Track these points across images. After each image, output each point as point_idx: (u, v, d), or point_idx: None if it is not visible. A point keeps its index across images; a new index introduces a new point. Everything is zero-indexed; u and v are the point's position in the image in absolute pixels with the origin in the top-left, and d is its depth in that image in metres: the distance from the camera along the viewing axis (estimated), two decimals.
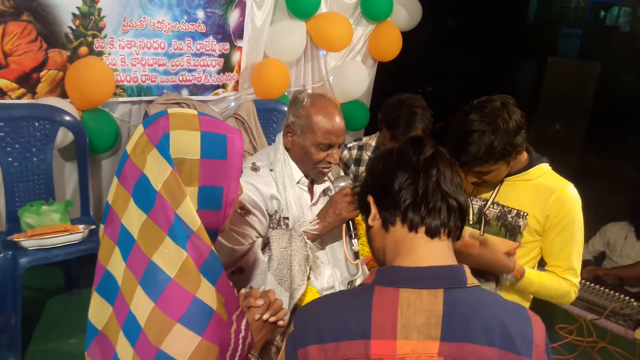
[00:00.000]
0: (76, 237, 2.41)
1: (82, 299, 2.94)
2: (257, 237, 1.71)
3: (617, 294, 3.64)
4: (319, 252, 1.81)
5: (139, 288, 1.04)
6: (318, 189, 1.87)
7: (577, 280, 1.86)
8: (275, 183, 1.76)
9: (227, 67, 3.65)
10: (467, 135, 1.67)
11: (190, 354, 1.02)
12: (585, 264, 4.06)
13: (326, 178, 1.87)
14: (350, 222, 1.77)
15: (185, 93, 3.47)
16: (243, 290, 1.36)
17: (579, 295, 3.59)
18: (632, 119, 5.65)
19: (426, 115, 2.34)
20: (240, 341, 1.16)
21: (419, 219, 1.05)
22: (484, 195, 1.92)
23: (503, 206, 1.88)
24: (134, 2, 3.10)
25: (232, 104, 3.74)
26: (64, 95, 2.93)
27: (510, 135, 1.67)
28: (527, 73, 6.76)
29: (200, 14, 3.41)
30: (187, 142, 1.08)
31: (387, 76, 4.59)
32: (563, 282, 1.86)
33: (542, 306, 3.43)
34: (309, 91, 1.81)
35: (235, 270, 1.65)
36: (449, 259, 1.05)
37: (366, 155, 2.67)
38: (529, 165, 1.84)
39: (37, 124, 2.71)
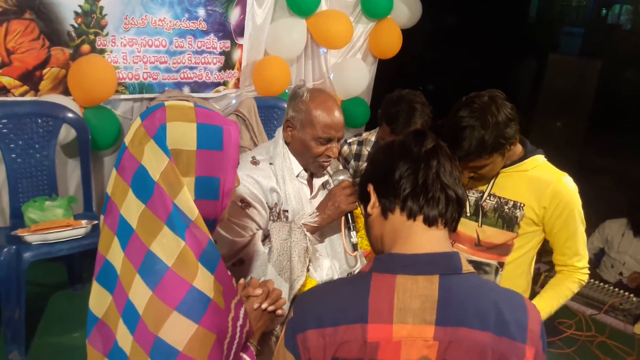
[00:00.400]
0: (79, 231, 2.44)
1: (86, 293, 2.92)
2: (258, 230, 1.73)
3: (616, 289, 3.67)
4: (318, 245, 1.84)
5: (138, 277, 1.06)
6: (317, 182, 1.89)
7: (584, 263, 1.90)
8: (275, 176, 1.78)
9: (228, 65, 3.68)
10: (459, 131, 1.70)
11: (187, 341, 1.04)
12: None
13: (325, 172, 1.89)
14: (348, 214, 1.79)
15: (186, 90, 3.50)
16: (242, 280, 1.39)
17: (582, 293, 3.63)
18: (633, 116, 5.67)
19: (425, 111, 2.36)
20: (238, 329, 1.18)
21: (418, 208, 1.07)
22: (481, 187, 1.94)
23: (499, 197, 1.90)
24: (135, 0, 3.13)
25: (233, 101, 3.77)
26: (66, 92, 2.97)
27: (500, 128, 1.69)
28: (528, 71, 6.78)
29: (201, 11, 3.44)
30: (183, 134, 1.10)
31: (387, 73, 4.61)
32: (568, 283, 1.90)
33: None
34: (309, 86, 1.82)
35: (236, 262, 1.67)
36: (445, 247, 1.07)
37: (366, 150, 2.69)
38: (524, 156, 1.87)
39: (40, 121, 2.74)
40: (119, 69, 3.16)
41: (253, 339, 1.31)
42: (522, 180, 1.87)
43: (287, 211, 1.80)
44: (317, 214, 1.76)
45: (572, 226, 1.83)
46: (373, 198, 1.13)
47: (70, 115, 2.82)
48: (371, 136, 2.71)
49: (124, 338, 1.08)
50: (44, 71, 2.89)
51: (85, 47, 3.01)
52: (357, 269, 1.94)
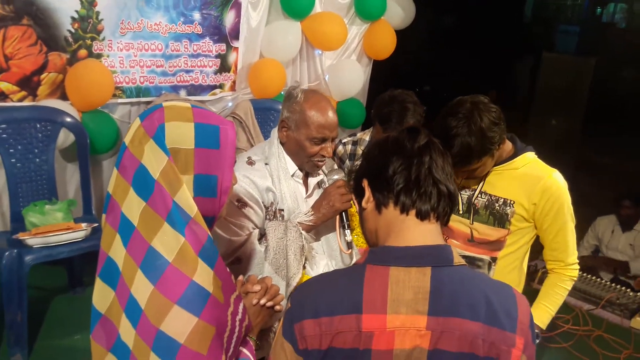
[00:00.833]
0: (80, 234, 2.47)
1: (86, 296, 2.99)
2: (254, 229, 1.77)
3: (613, 284, 3.71)
4: (315, 243, 1.87)
5: (139, 272, 1.09)
6: (312, 181, 1.93)
7: (573, 259, 1.93)
8: (270, 176, 1.82)
9: (224, 68, 3.72)
10: (447, 140, 1.73)
11: (188, 334, 1.08)
12: (584, 259, 4.13)
13: (320, 171, 1.93)
14: (343, 213, 1.83)
15: (183, 93, 3.54)
16: (241, 277, 1.42)
17: (575, 286, 3.67)
18: (628, 114, 5.71)
19: (418, 111, 2.40)
20: (237, 323, 1.22)
21: (410, 202, 1.10)
22: (473, 186, 1.98)
23: (490, 195, 1.93)
24: (131, 5, 3.16)
25: (230, 104, 3.80)
26: (64, 97, 3.00)
27: (485, 133, 1.73)
28: (523, 69, 6.82)
29: (197, 15, 3.47)
30: (181, 133, 1.13)
31: (382, 74, 4.65)
32: (561, 284, 1.94)
33: (535, 294, 3.49)
34: (303, 87, 1.86)
35: (234, 261, 1.71)
36: (437, 240, 1.10)
37: (360, 150, 2.72)
38: (514, 154, 1.90)
39: (38, 126, 2.77)
40: (116, 73, 3.20)
41: (252, 334, 1.34)
42: (513, 177, 1.90)
43: (283, 210, 1.83)
44: (313, 212, 1.79)
45: (561, 221, 1.87)
46: (367, 193, 1.17)
47: (68, 119, 2.85)
48: (365, 136, 2.75)
49: (127, 332, 1.12)
50: (42, 76, 2.92)
51: (82, 52, 3.04)
52: None
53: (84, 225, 2.53)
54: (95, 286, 1.19)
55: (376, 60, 4.54)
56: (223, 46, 3.66)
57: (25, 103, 2.89)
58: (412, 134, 1.17)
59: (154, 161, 1.11)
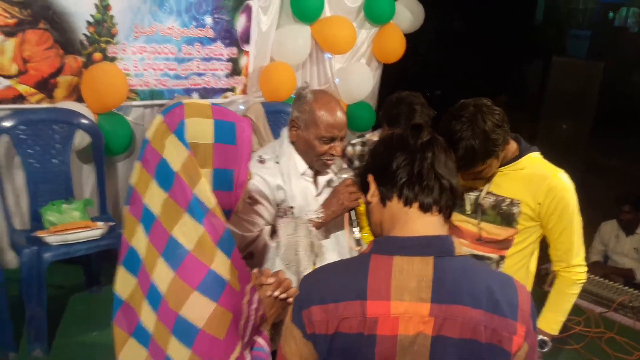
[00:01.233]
0: (97, 232, 2.54)
1: (103, 295, 3.08)
2: (265, 225, 1.82)
3: (625, 287, 3.72)
4: (325, 240, 1.92)
5: (161, 260, 1.15)
6: (322, 180, 1.97)
7: (578, 260, 1.93)
8: (280, 174, 1.87)
9: (235, 71, 3.79)
10: (451, 143, 1.76)
11: (206, 319, 1.13)
12: (594, 265, 4.14)
13: (330, 170, 1.98)
14: (352, 211, 1.87)
15: (195, 96, 3.61)
16: (255, 270, 1.47)
17: (587, 289, 3.69)
18: (637, 117, 5.69)
19: (425, 112, 2.44)
20: (253, 312, 1.27)
21: (413, 196, 1.15)
22: (479, 187, 2.01)
23: (497, 195, 1.96)
24: (144, 9, 3.24)
25: (241, 107, 3.87)
26: (80, 99, 3.09)
27: (488, 135, 1.76)
28: (532, 73, 6.82)
29: (208, 19, 3.55)
30: (201, 129, 1.20)
31: (392, 77, 4.69)
32: (568, 290, 1.95)
33: (544, 298, 3.51)
34: (312, 88, 1.91)
35: (247, 256, 1.76)
36: (440, 231, 1.14)
37: None
38: (520, 155, 1.93)
39: (55, 127, 2.85)
40: (130, 76, 3.27)
41: (266, 325, 1.39)
42: (518, 178, 1.93)
43: (293, 208, 1.88)
44: (322, 210, 1.84)
45: (565, 221, 1.88)
46: (372, 187, 1.21)
47: (84, 121, 2.93)
48: (374, 137, 2.79)
49: (147, 318, 1.18)
50: (58, 79, 3.01)
51: (97, 55, 3.13)
52: None
53: (100, 224, 2.60)
54: (117, 274, 1.25)
55: (386, 64, 4.58)
56: (234, 50, 3.73)
57: (43, 105, 2.97)
58: (416, 131, 1.21)
59: (174, 155, 1.17)
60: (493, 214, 1.97)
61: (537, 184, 1.89)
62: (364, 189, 1.26)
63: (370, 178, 1.23)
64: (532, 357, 1.15)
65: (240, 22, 3.69)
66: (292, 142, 1.91)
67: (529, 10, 6.96)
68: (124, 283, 1.24)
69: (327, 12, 4.00)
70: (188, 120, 1.20)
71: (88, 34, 3.09)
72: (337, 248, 1.98)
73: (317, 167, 1.92)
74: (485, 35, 5.82)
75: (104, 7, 3.10)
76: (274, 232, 1.82)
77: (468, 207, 2.03)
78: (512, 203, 1.93)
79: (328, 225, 1.90)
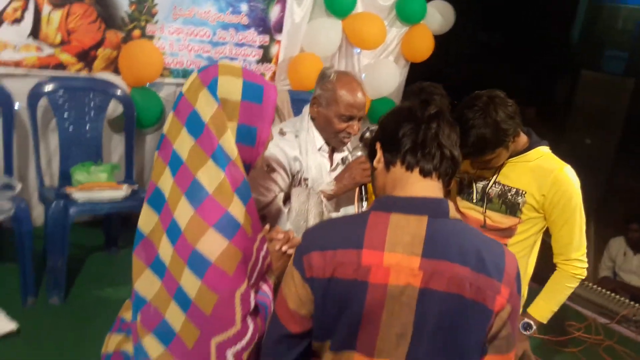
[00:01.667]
0: (120, 194, 2.68)
1: (120, 256, 3.23)
2: (280, 192, 1.93)
3: (631, 302, 3.73)
4: (333, 213, 2.02)
5: (184, 198, 1.27)
6: (337, 157, 2.08)
7: (577, 254, 1.98)
8: (299, 147, 1.98)
9: (265, 58, 3.92)
10: (464, 131, 1.85)
11: (218, 255, 1.24)
12: (603, 280, 4.16)
13: (345, 148, 2.08)
14: (362, 187, 1.97)
15: None
16: (267, 226, 1.58)
17: (592, 300, 3.71)
18: None
19: (444, 102, 2.52)
20: (261, 258, 1.38)
21: (415, 161, 1.24)
22: (488, 176, 2.09)
23: (504, 185, 2.04)
24: None
25: None
26: (116, 72, 3.25)
27: (499, 125, 1.84)
28: (563, 88, 6.79)
29: (244, 7, 3.68)
30: (231, 86, 1.32)
31: (418, 77, 4.74)
32: (565, 282, 2.00)
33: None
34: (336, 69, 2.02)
35: (260, 218, 1.86)
36: (437, 194, 1.23)
37: None
38: (529, 147, 2.01)
39: (92, 95, 3.01)
40: (165, 54, 3.43)
41: (272, 275, 1.50)
42: (526, 169, 2.00)
43: (307, 179, 1.99)
44: (335, 183, 1.95)
45: (568, 214, 1.94)
46: (379, 154, 1.31)
47: (119, 92, 3.09)
48: None
49: (165, 251, 1.29)
50: (98, 51, 3.17)
51: (137, 32, 3.28)
52: None
53: (124, 186, 2.74)
54: (142, 211, 1.37)
55: (413, 63, 4.66)
56: (266, 38, 3.86)
57: (82, 74, 3.14)
58: (424, 104, 1.31)
59: (205, 107, 1.29)
60: (498, 203, 2.05)
61: (543, 176, 1.96)
62: (372, 156, 1.36)
63: (378, 146, 1.32)
64: (514, 319, 1.23)
65: (274, 12, 3.82)
66: (313, 119, 2.02)
67: (566, 26, 6.92)
68: (147, 219, 1.36)
69: (359, 8, 4.10)
70: (221, 77, 1.32)
71: (130, 11, 3.25)
72: None
73: (334, 143, 2.03)
74: (517, 47, 5.83)
75: None
76: (287, 199, 1.92)
77: (475, 195, 2.11)
78: (518, 193, 2.00)
79: (339, 198, 2.00)
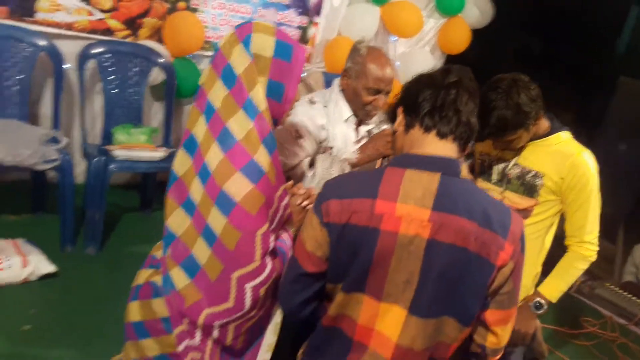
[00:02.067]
0: (158, 154, 2.84)
1: (153, 217, 3.41)
2: (305, 157, 2.04)
3: None
4: None
5: (215, 144, 1.39)
6: (363, 129, 2.17)
7: (590, 237, 2.03)
8: (326, 117, 2.08)
9: (303, 40, 4.02)
10: (486, 112, 1.92)
11: (243, 196, 1.36)
12: (626, 284, 4.15)
13: (371, 121, 2.17)
14: (385, 158, 2.06)
15: None
16: (291, 182, 1.69)
17: (612, 300, 3.72)
18: None
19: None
20: (282, 207, 1.49)
21: (432, 124, 1.32)
22: (508, 157, 2.16)
23: (523, 167, 2.10)
24: None
25: (304, 74, 4.10)
26: (160, 41, 3.40)
27: (521, 108, 1.89)
28: (598, 92, 6.68)
29: None
30: (264, 43, 1.43)
31: None
32: (576, 262, 2.04)
33: (569, 300, 3.59)
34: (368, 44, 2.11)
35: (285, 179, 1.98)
36: (451, 155, 1.31)
37: None
38: (550, 132, 2.06)
39: (136, 61, 3.18)
40: (207, 28, 3.56)
41: (291, 226, 1.61)
42: (546, 153, 2.06)
43: (332, 148, 2.09)
44: (358, 152, 2.04)
45: (583, 198, 1.99)
46: (400, 117, 1.40)
47: (162, 60, 3.25)
48: None
49: (196, 191, 1.42)
50: (144, 20, 3.33)
51: (182, 4, 3.43)
52: None
53: (162, 148, 2.89)
54: (177, 155, 1.50)
55: (449, 55, 4.70)
56: (305, 19, 3.96)
57: (128, 41, 3.30)
58: (445, 71, 1.39)
59: (239, 61, 1.40)
60: (517, 184, 2.11)
61: (562, 159, 2.01)
62: (393, 119, 1.45)
63: (400, 110, 1.41)
64: (517, 276, 1.30)
65: None
66: (342, 90, 2.12)
67: (612, 34, 6.73)
68: (181, 163, 1.49)
69: None
70: (255, 34, 1.43)
71: None
72: None
73: (361, 115, 2.12)
74: (557, 50, 5.77)
75: None
76: (312, 164, 2.03)
77: (495, 176, 2.18)
78: (537, 175, 2.06)
79: (361, 168, 2.09)
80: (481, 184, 2.22)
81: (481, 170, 2.24)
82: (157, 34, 3.39)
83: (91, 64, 3.10)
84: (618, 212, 4.71)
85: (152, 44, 3.31)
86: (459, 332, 1.29)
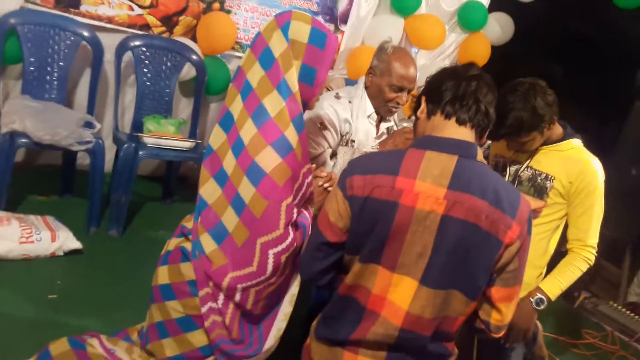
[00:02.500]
0: (185, 145, 2.98)
1: (175, 208, 3.53)
2: (328, 148, 2.16)
3: None
4: None
5: (250, 120, 1.52)
6: (383, 126, 2.29)
7: (592, 242, 2.10)
8: (350, 111, 2.20)
9: None
10: (503, 112, 2.02)
11: (272, 168, 1.48)
12: (630, 305, 4.18)
13: (392, 119, 2.29)
14: None
15: None
16: (314, 165, 1.81)
17: (614, 317, 3.77)
18: None
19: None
20: (305, 184, 1.61)
21: (453, 111, 1.42)
22: (521, 160, 2.25)
23: (535, 170, 2.19)
24: None
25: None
26: (194, 39, 3.56)
27: (537, 111, 1.99)
28: (613, 116, 6.71)
29: None
30: (301, 30, 1.56)
31: None
32: (577, 263, 2.11)
33: (571, 312, 3.64)
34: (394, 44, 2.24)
35: None
36: (468, 139, 1.41)
37: None
38: (563, 138, 2.16)
39: (170, 56, 3.33)
40: (239, 30, 3.72)
41: (313, 205, 1.73)
42: (557, 157, 2.15)
43: (354, 141, 2.21)
44: (378, 146, 2.16)
45: (589, 203, 2.07)
46: (423, 105, 1.51)
47: (194, 57, 3.40)
48: None
49: (229, 163, 1.54)
50: (180, 18, 3.50)
51: (216, 5, 3.60)
52: None
53: (189, 140, 3.03)
54: (213, 130, 1.64)
55: None
56: (332, 27, 4.11)
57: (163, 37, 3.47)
58: (467, 66, 1.51)
59: (277, 45, 1.54)
60: (528, 186, 2.20)
61: (572, 164, 2.10)
62: (417, 108, 1.56)
63: (423, 99, 1.52)
64: (522, 256, 1.40)
65: (342, 3, 4.07)
66: (366, 87, 2.24)
67: (630, 62, 6.75)
68: (217, 137, 1.62)
69: (422, 9, 4.30)
70: (293, 22, 1.57)
71: None
72: None
73: (383, 112, 2.24)
74: (576, 75, 5.82)
75: None
76: (334, 155, 2.15)
77: (507, 177, 2.27)
78: (547, 178, 2.15)
79: None
80: None
81: (495, 171, 2.33)
82: (191, 32, 3.55)
83: (128, 55, 3.25)
84: (626, 236, 4.76)
85: (186, 41, 3.47)
86: (465, 306, 1.39)
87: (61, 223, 2.78)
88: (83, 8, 3.14)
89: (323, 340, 1.48)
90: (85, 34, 3.04)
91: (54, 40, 2.95)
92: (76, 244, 2.70)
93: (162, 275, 1.68)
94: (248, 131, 1.52)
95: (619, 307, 3.93)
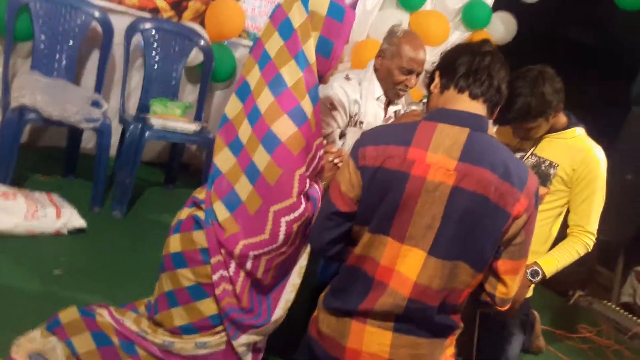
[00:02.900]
0: (191, 127, 2.99)
1: (176, 193, 3.55)
2: (337, 128, 2.18)
3: None
4: None
5: (267, 88, 1.54)
6: (391, 109, 2.32)
7: (591, 228, 2.14)
8: (359, 93, 2.23)
9: None
10: (511, 97, 2.05)
11: (288, 136, 1.51)
12: (623, 305, 4.23)
13: (400, 102, 2.32)
14: None
15: None
16: (325, 141, 1.83)
17: (607, 315, 3.81)
18: None
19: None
20: (317, 157, 1.63)
21: (466, 85, 1.44)
22: (527, 147, 2.29)
23: (539, 157, 2.23)
24: None
25: None
26: (202, 24, 3.58)
27: (544, 97, 2.03)
28: (611, 121, 6.75)
29: None
30: (321, 2, 1.59)
31: None
32: (575, 246, 2.14)
33: (567, 309, 3.68)
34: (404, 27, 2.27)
35: None
36: (480, 113, 1.43)
37: None
38: (567, 127, 2.19)
39: (178, 40, 3.35)
40: (247, 17, 3.73)
41: (322, 179, 1.75)
42: (561, 145, 2.19)
43: (362, 123, 2.23)
44: None
45: (590, 190, 2.10)
46: (436, 80, 1.53)
47: (202, 42, 3.42)
48: None
49: (244, 132, 1.56)
50: (190, 3, 3.52)
51: None
52: None
53: (195, 122, 3.05)
54: (230, 100, 1.66)
55: None
56: None
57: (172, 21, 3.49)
58: (481, 42, 1.53)
59: (297, 16, 1.56)
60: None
61: (576, 152, 2.13)
62: (431, 82, 1.58)
63: (437, 74, 1.55)
64: (529, 230, 1.42)
65: None
66: (376, 70, 2.27)
67: (628, 69, 6.79)
68: (233, 107, 1.64)
69: (428, 5, 4.34)
70: None
71: None
72: None
73: (391, 95, 2.27)
74: (576, 79, 5.86)
75: None
76: (342, 135, 2.17)
77: None
78: (551, 165, 2.19)
79: None
80: None
81: None
82: (199, 18, 3.57)
83: (137, 38, 3.27)
84: (619, 240, 4.81)
85: (195, 26, 3.49)
86: (472, 278, 1.41)
87: (66, 201, 2.79)
88: None
89: (331, 311, 1.49)
90: (96, 14, 3.06)
91: (65, 19, 2.97)
92: (80, 222, 2.71)
93: (174, 243, 1.70)
94: (265, 100, 1.54)
95: (613, 306, 3.98)
